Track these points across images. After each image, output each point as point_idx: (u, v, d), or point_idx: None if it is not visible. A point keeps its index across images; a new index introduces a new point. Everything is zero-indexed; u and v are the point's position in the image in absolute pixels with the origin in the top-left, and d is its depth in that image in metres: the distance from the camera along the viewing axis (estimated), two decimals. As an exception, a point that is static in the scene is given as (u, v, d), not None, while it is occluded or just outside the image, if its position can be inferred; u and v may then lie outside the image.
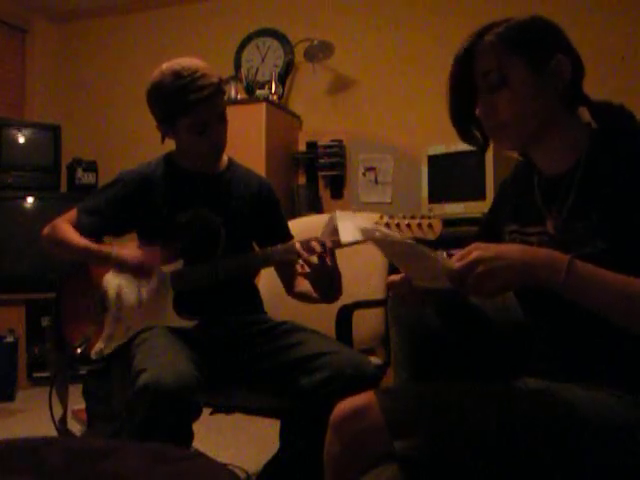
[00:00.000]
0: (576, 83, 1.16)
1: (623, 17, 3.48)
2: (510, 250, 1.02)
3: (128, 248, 1.75)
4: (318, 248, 1.65)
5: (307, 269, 1.68)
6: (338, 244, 1.62)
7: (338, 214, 1.11)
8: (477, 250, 1.00)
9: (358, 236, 1.00)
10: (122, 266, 1.74)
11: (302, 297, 1.91)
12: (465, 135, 1.25)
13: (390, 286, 1.21)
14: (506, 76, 1.13)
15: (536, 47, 1.14)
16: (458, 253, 1.02)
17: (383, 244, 1.07)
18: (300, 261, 1.70)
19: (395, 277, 1.19)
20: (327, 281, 1.72)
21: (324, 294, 1.78)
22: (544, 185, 1.21)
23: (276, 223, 1.95)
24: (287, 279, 1.95)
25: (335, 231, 1.09)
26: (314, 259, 1.66)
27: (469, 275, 0.98)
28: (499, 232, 1.30)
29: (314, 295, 1.80)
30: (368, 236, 1.00)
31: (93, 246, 1.77)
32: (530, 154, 1.23)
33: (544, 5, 3.56)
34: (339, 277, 1.74)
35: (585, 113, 1.19)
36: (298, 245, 1.69)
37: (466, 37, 1.18)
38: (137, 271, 1.74)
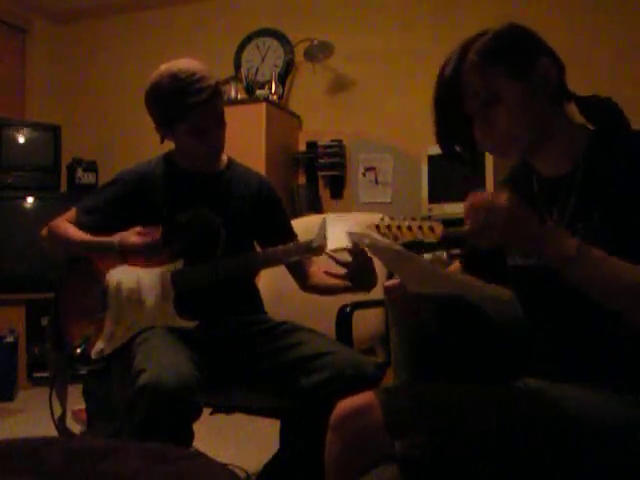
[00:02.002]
0: (561, 81, 1.16)
1: (622, 17, 3.48)
2: (531, 214, 1.00)
3: (128, 232, 1.75)
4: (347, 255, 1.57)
5: (342, 271, 1.62)
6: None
7: (329, 219, 1.10)
8: (508, 200, 0.98)
9: (345, 242, 1.00)
10: (128, 251, 1.74)
11: (323, 290, 1.86)
12: (452, 155, 1.25)
13: (386, 291, 1.22)
14: (496, 92, 1.12)
15: (518, 55, 1.14)
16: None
17: (373, 250, 1.06)
18: (329, 266, 1.64)
19: (391, 282, 1.20)
20: (365, 274, 1.64)
21: (362, 287, 1.71)
22: (544, 187, 1.21)
23: (278, 222, 1.94)
24: (301, 274, 1.90)
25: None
26: (347, 258, 1.58)
27: (488, 214, 0.97)
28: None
29: (342, 286, 1.72)
30: (356, 242, 0.99)
31: (94, 238, 1.78)
32: (528, 159, 1.23)
33: (542, 5, 3.57)
34: (373, 265, 1.65)
35: (576, 113, 1.19)
36: (329, 251, 1.57)
37: (446, 59, 1.17)
38: (144, 251, 1.73)
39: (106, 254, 1.80)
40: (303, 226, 2.18)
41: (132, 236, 1.74)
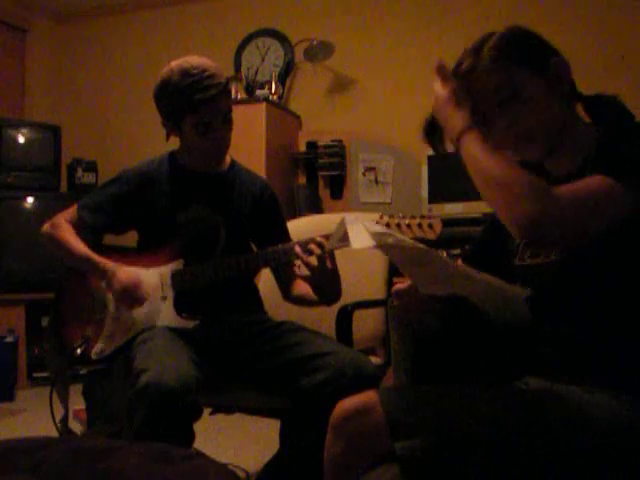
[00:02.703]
0: (571, 80, 1.16)
1: (623, 16, 3.48)
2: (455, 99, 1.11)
3: (127, 271, 1.72)
4: (317, 250, 1.64)
5: (307, 271, 1.66)
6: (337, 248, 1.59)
7: (347, 218, 1.08)
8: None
9: (370, 242, 0.97)
10: (112, 288, 1.72)
11: (300, 301, 1.89)
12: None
13: (396, 294, 1.22)
14: (519, 88, 1.12)
15: (535, 54, 1.14)
16: None
17: (395, 250, 1.05)
18: (298, 263, 1.69)
19: (401, 286, 1.19)
20: (327, 283, 1.70)
21: (324, 296, 1.77)
22: (553, 185, 1.20)
23: (275, 227, 1.94)
24: (284, 283, 1.93)
25: (345, 236, 1.05)
26: (313, 261, 1.65)
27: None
28: (503, 235, 1.29)
29: (313, 298, 1.78)
30: (381, 242, 0.97)
31: (93, 258, 1.75)
32: (544, 159, 1.22)
33: (543, 6, 3.57)
34: (339, 279, 1.72)
35: (582, 112, 1.19)
36: (297, 247, 1.67)
37: (458, 60, 1.16)
38: (123, 299, 1.72)
39: (95, 276, 1.79)
40: (303, 226, 2.18)
41: (123, 279, 1.70)
